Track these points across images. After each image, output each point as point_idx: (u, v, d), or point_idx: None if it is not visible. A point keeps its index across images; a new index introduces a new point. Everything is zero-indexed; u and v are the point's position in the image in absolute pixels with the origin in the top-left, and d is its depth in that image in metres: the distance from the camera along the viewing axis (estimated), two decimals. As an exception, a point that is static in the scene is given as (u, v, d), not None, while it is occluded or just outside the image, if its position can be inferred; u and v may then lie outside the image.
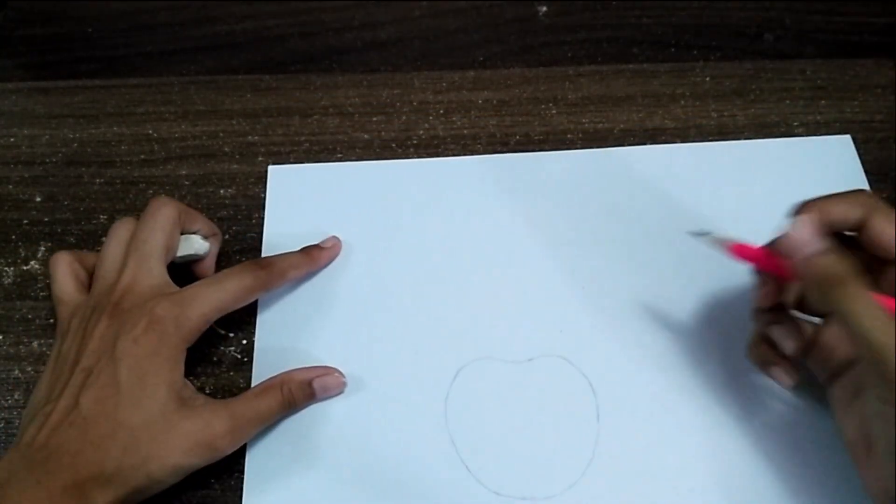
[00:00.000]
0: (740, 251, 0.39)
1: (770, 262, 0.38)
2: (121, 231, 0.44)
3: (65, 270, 0.44)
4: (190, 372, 0.45)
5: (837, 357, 0.40)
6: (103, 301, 0.41)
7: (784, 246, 0.37)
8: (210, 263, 0.47)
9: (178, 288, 0.42)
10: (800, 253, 0.36)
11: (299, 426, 0.43)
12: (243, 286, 0.42)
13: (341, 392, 0.44)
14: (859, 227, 0.37)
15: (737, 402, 0.43)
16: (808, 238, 0.36)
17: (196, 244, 0.46)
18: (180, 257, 0.45)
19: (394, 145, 0.53)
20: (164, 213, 0.43)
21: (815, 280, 0.35)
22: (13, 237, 0.51)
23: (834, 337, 0.40)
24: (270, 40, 0.59)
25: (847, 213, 0.37)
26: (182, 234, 0.45)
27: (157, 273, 0.42)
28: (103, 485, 0.36)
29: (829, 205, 0.37)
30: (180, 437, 0.38)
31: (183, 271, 0.46)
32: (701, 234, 0.41)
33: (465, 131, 0.54)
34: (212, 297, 0.41)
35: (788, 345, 0.39)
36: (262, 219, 0.50)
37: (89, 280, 0.44)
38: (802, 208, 0.38)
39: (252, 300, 0.44)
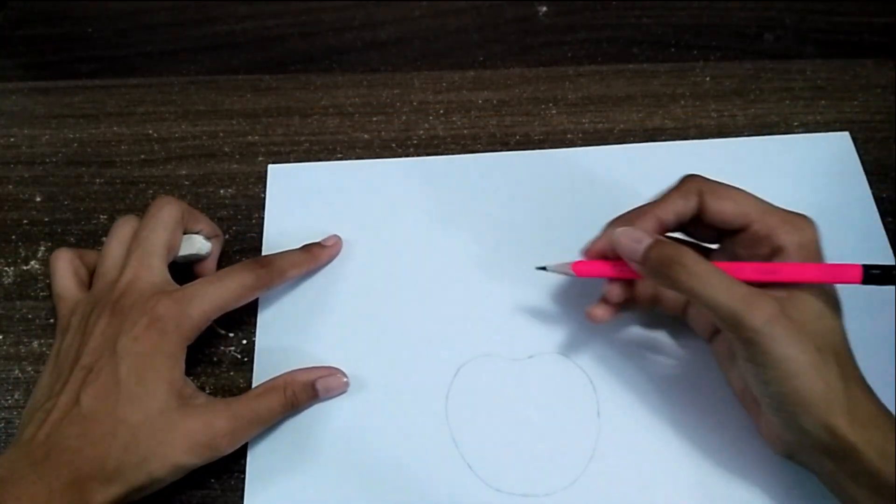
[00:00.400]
0: (583, 269, 0.42)
1: (614, 270, 0.40)
2: (122, 229, 0.44)
3: (65, 267, 0.44)
4: (190, 372, 0.45)
5: (706, 319, 0.42)
6: (104, 298, 0.41)
7: (620, 251, 0.39)
8: (212, 264, 0.47)
9: (178, 286, 0.42)
10: (636, 253, 0.38)
11: (300, 425, 0.43)
12: (244, 284, 0.42)
13: (344, 392, 0.44)
14: (698, 212, 0.39)
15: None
16: (638, 236, 0.38)
17: (198, 244, 0.46)
18: (182, 257, 0.45)
19: (394, 145, 0.53)
20: (167, 211, 0.43)
21: (655, 270, 0.37)
22: (13, 237, 0.51)
23: None
24: (270, 40, 0.59)
25: (682, 206, 0.39)
26: (185, 233, 0.45)
27: (158, 271, 0.42)
28: (103, 482, 0.36)
29: (662, 205, 0.40)
30: (181, 435, 0.38)
31: (185, 272, 0.46)
32: (543, 269, 0.43)
33: (465, 131, 0.54)
34: (212, 295, 0.41)
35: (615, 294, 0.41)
36: (262, 218, 0.50)
37: (90, 278, 0.45)
38: (633, 216, 0.40)
39: (253, 298, 0.44)
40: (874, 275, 0.35)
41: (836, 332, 0.36)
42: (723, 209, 0.38)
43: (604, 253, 0.41)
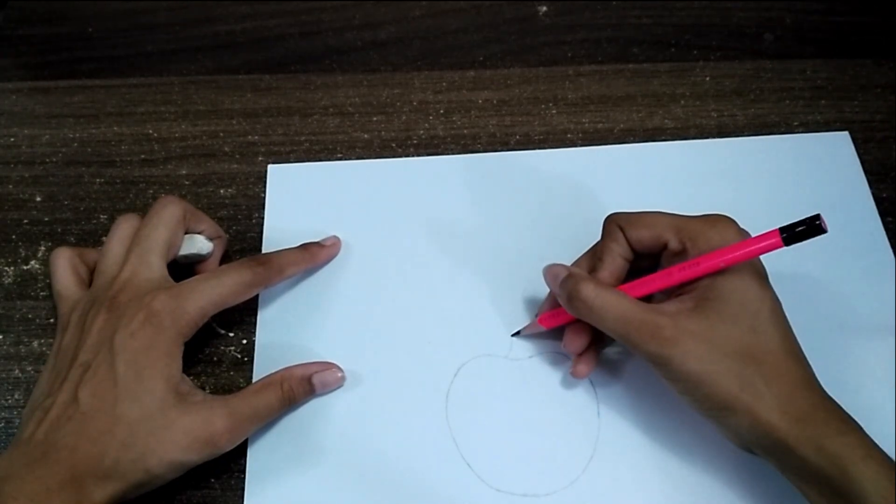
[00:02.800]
0: (547, 320, 0.43)
1: (569, 315, 0.41)
2: (123, 227, 0.44)
3: (65, 266, 0.44)
4: (190, 371, 0.45)
5: None
6: (102, 295, 0.41)
7: (550, 288, 0.42)
8: (213, 265, 0.47)
9: (176, 283, 0.42)
10: (555, 289, 0.40)
11: (300, 424, 0.43)
12: (242, 281, 0.42)
13: (340, 386, 0.44)
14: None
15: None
16: (556, 270, 0.41)
17: (199, 244, 0.46)
18: (183, 256, 0.45)
19: (394, 145, 0.53)
20: (169, 210, 0.43)
21: (567, 304, 0.39)
22: (13, 237, 0.51)
23: None
24: (270, 40, 0.59)
25: (613, 244, 0.41)
26: (187, 233, 0.45)
27: (156, 268, 0.42)
28: (101, 479, 0.36)
29: (596, 247, 0.42)
30: (179, 433, 0.38)
31: (186, 273, 0.46)
32: (517, 334, 0.46)
33: (465, 131, 0.54)
34: (210, 292, 0.41)
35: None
36: (262, 218, 0.50)
37: (90, 276, 0.45)
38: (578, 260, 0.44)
39: (251, 296, 0.43)
40: (794, 233, 0.35)
41: (754, 331, 0.36)
42: (639, 236, 0.40)
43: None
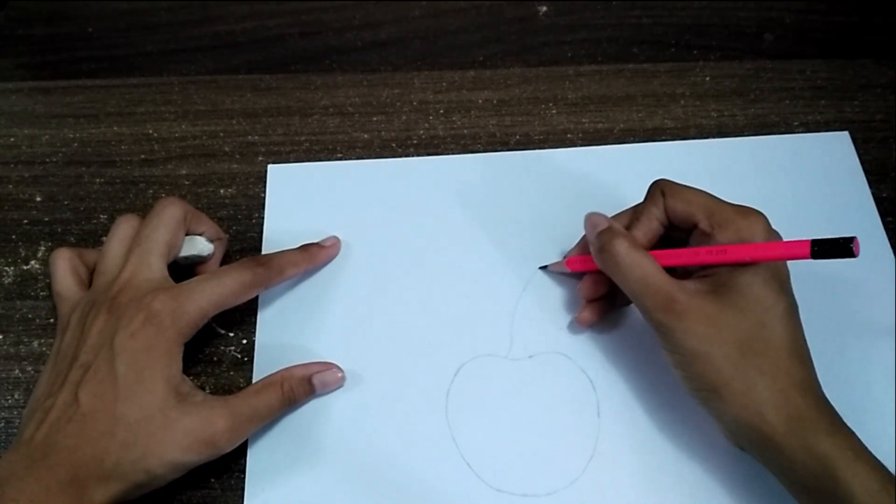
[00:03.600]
0: (574, 264, 0.45)
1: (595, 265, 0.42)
2: (123, 228, 0.44)
3: (65, 266, 0.44)
4: (190, 371, 0.45)
5: None
6: (102, 296, 0.41)
7: (587, 236, 0.42)
8: (213, 266, 0.47)
9: (176, 284, 0.42)
10: (591, 237, 0.41)
11: (300, 425, 0.43)
12: (241, 282, 0.42)
13: (340, 386, 0.44)
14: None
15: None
16: (597, 220, 0.41)
17: (200, 245, 0.46)
18: (183, 257, 0.45)
19: (394, 145, 0.53)
20: (169, 211, 0.43)
21: (597, 256, 0.40)
22: (13, 237, 0.51)
23: None
24: (270, 40, 0.59)
25: (652, 207, 0.41)
26: (188, 234, 0.45)
27: (156, 269, 0.42)
28: (102, 480, 0.36)
29: (637, 207, 0.42)
30: (179, 433, 0.38)
31: (187, 275, 0.46)
32: (544, 268, 0.47)
33: (465, 131, 0.54)
34: (209, 292, 0.41)
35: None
36: (262, 218, 0.50)
37: (89, 277, 0.45)
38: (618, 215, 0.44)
39: (250, 297, 0.43)
40: (823, 249, 0.35)
41: (762, 327, 0.37)
42: (675, 207, 0.40)
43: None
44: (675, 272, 0.39)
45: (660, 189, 0.41)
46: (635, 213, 0.42)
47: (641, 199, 0.47)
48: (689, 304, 0.37)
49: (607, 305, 0.45)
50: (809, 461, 0.34)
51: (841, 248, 0.34)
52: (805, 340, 0.38)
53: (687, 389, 0.39)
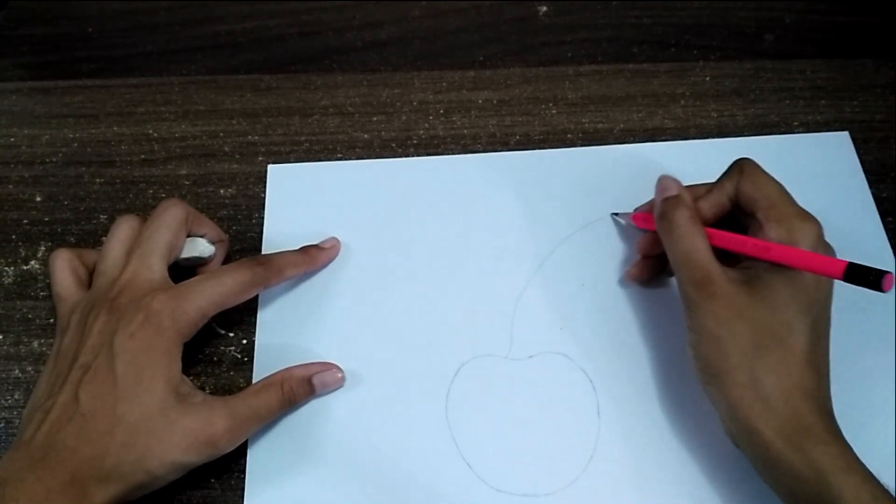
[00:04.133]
0: (640, 219, 0.46)
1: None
2: (122, 228, 0.44)
3: (64, 267, 0.44)
4: (190, 372, 0.45)
5: None
6: (102, 297, 0.41)
7: (655, 194, 0.43)
8: (214, 268, 0.47)
9: (175, 284, 0.42)
10: (658, 199, 0.42)
11: (300, 425, 0.43)
12: (241, 282, 0.42)
13: (340, 387, 0.44)
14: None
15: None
16: (668, 184, 0.42)
17: (201, 247, 0.46)
18: (185, 259, 0.45)
19: (394, 145, 0.53)
20: (171, 213, 0.43)
21: (658, 220, 0.41)
22: (13, 237, 0.51)
23: None
24: (270, 40, 0.59)
25: (728, 182, 0.41)
26: (189, 236, 0.45)
27: (157, 270, 0.42)
28: (102, 481, 0.36)
29: (718, 181, 0.42)
30: (179, 434, 0.38)
31: (188, 276, 0.46)
32: (616, 214, 0.49)
33: (465, 131, 0.54)
34: (209, 292, 0.41)
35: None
36: (262, 218, 0.50)
37: (89, 277, 0.44)
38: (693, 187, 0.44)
39: (250, 296, 0.43)
40: (856, 274, 0.35)
41: (785, 327, 0.37)
42: (744, 188, 0.40)
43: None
44: (726, 256, 0.39)
45: (739, 167, 0.41)
46: (711, 186, 0.42)
47: (641, 200, 0.48)
48: (721, 287, 0.37)
49: (658, 267, 0.46)
50: (800, 466, 0.34)
51: (872, 280, 0.34)
52: (827, 356, 0.38)
53: (692, 369, 0.39)
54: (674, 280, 0.46)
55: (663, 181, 0.42)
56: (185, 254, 0.45)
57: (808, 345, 0.37)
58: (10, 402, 0.45)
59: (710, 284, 0.38)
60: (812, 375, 0.36)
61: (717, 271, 0.38)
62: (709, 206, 0.41)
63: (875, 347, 0.45)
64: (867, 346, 0.45)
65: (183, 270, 0.45)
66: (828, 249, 0.39)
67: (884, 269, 0.34)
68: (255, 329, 0.46)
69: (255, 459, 0.43)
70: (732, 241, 0.40)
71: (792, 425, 0.35)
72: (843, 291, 0.43)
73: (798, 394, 0.36)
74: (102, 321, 0.40)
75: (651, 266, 0.46)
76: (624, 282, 0.47)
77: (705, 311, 0.37)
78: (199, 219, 0.46)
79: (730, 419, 0.37)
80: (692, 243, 0.39)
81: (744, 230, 0.40)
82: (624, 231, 0.49)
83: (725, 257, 0.39)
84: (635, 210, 0.47)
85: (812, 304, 0.37)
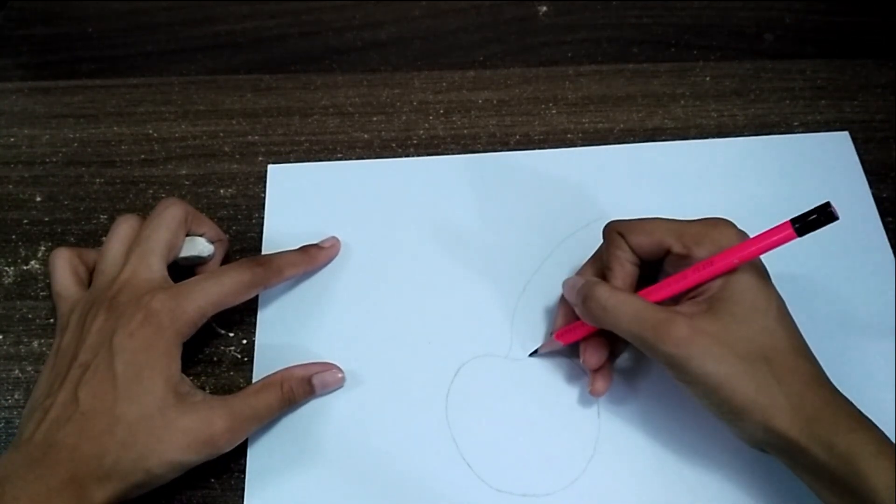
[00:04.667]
0: (565, 335, 0.43)
1: (586, 327, 0.41)
2: (122, 228, 0.44)
3: (64, 266, 0.44)
4: (190, 371, 0.45)
5: None
6: (102, 296, 0.41)
7: (569, 301, 0.42)
8: (214, 267, 0.47)
9: (175, 283, 0.42)
10: (575, 298, 0.40)
11: (300, 424, 0.43)
12: (241, 281, 0.42)
13: (340, 387, 0.44)
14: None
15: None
16: (574, 281, 0.41)
17: (200, 246, 0.46)
18: (184, 258, 0.45)
19: (394, 145, 0.53)
20: (171, 212, 0.43)
21: (582, 310, 0.40)
22: (13, 237, 0.51)
23: None
24: (270, 40, 0.59)
25: (615, 251, 0.41)
26: (188, 235, 0.45)
27: (156, 269, 0.42)
28: (101, 480, 0.36)
29: (598, 254, 0.43)
30: (178, 433, 0.38)
31: (187, 276, 0.46)
32: (534, 353, 0.45)
33: (465, 131, 0.54)
34: (208, 291, 0.41)
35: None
36: (262, 218, 0.50)
37: (89, 276, 0.45)
38: (581, 270, 0.44)
39: (249, 297, 0.43)
40: (807, 222, 0.35)
41: (766, 331, 0.36)
42: (640, 242, 0.40)
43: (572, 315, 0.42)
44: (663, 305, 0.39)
45: (615, 231, 0.41)
46: (602, 263, 0.42)
47: (641, 200, 0.48)
48: (692, 326, 0.36)
49: (613, 362, 0.43)
50: (832, 460, 0.34)
51: (821, 215, 0.34)
52: (801, 333, 0.38)
53: (713, 415, 0.38)
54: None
55: (567, 283, 0.42)
56: (185, 253, 0.45)
57: (788, 337, 0.37)
58: (10, 401, 0.45)
59: (678, 329, 0.36)
60: (806, 362, 0.36)
61: (674, 316, 0.36)
62: (620, 281, 0.40)
63: (875, 347, 0.45)
64: (867, 345, 0.45)
65: (182, 270, 0.45)
66: (747, 237, 0.38)
67: (820, 204, 0.34)
68: (255, 329, 0.46)
69: (255, 459, 0.43)
70: (671, 284, 0.38)
71: (816, 424, 0.35)
72: (843, 291, 0.43)
73: (806, 389, 0.35)
74: (102, 320, 0.40)
75: (609, 371, 0.42)
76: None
77: (697, 357, 0.36)
78: (198, 218, 0.46)
79: (762, 439, 0.36)
80: (632, 306, 0.37)
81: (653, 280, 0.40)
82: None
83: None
84: (551, 333, 0.44)
85: (769, 293, 0.37)
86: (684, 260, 0.39)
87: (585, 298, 0.39)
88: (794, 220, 0.35)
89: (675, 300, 0.39)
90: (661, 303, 0.38)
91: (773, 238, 0.36)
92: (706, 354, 0.36)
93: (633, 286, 0.41)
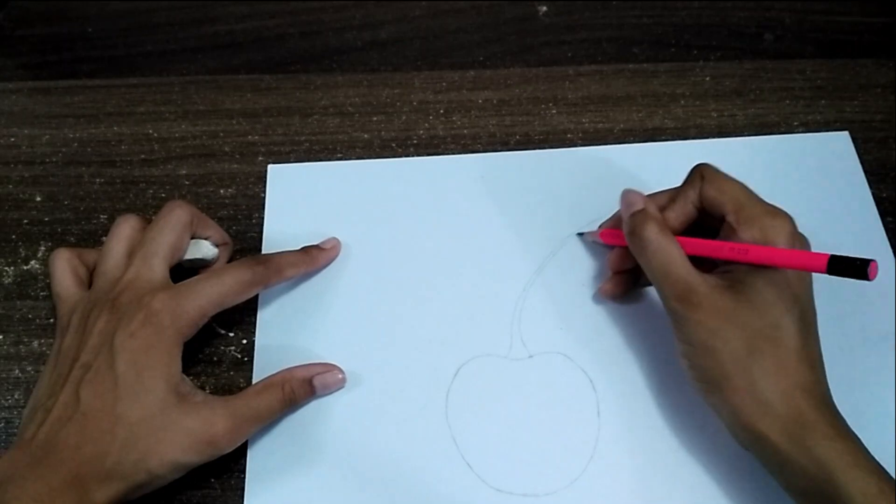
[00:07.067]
0: (607, 236, 0.45)
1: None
2: (123, 228, 0.44)
3: (64, 267, 0.44)
4: (190, 371, 0.45)
5: None
6: (103, 297, 0.41)
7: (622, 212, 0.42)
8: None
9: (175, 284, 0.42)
10: (625, 215, 0.42)
11: (300, 424, 0.43)
12: (241, 281, 0.42)
13: (341, 388, 0.44)
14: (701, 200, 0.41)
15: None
16: (633, 199, 0.42)
17: (205, 249, 0.46)
18: (188, 261, 0.45)
19: (394, 145, 0.53)
20: (176, 214, 0.43)
21: (628, 236, 0.41)
22: (13, 237, 0.51)
23: None
24: (270, 40, 0.59)
25: (690, 189, 0.41)
26: (193, 238, 0.45)
27: (158, 270, 0.42)
28: (103, 480, 0.36)
29: (678, 188, 0.42)
30: (180, 434, 0.38)
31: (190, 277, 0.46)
32: (581, 235, 0.47)
33: (465, 131, 0.54)
34: (209, 291, 0.41)
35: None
36: (262, 218, 0.50)
37: (89, 277, 0.44)
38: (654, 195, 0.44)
39: (250, 296, 0.43)
40: (839, 266, 0.35)
41: (775, 327, 0.37)
42: (708, 194, 0.40)
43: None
44: (701, 262, 0.39)
45: (699, 173, 0.41)
46: (674, 193, 0.42)
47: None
48: (705, 296, 0.37)
49: (631, 281, 0.45)
50: (807, 464, 0.34)
51: (857, 269, 0.34)
52: (819, 348, 0.38)
53: (689, 380, 0.39)
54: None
55: (627, 196, 0.42)
56: (189, 256, 0.45)
57: (799, 341, 0.37)
58: (10, 402, 0.45)
59: (693, 295, 0.37)
60: (808, 371, 0.36)
61: (698, 281, 0.38)
62: (675, 216, 0.41)
63: (875, 346, 0.45)
64: (867, 345, 0.45)
65: (185, 272, 0.45)
66: (803, 242, 0.39)
67: (867, 257, 0.34)
68: (255, 329, 0.46)
69: (255, 459, 0.43)
70: (707, 247, 0.39)
71: (795, 424, 0.35)
72: (843, 291, 0.43)
73: (797, 392, 0.36)
74: (103, 321, 0.40)
75: (624, 281, 0.45)
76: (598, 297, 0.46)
77: (693, 322, 0.37)
78: (203, 221, 0.46)
79: (733, 425, 0.37)
80: (668, 257, 0.39)
81: (713, 234, 0.40)
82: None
83: (701, 263, 0.39)
84: (600, 227, 0.47)
85: (796, 299, 0.37)
86: (732, 233, 0.39)
87: (633, 230, 0.40)
88: (832, 258, 0.35)
89: (714, 264, 0.40)
90: (693, 257, 0.39)
91: (804, 262, 0.36)
92: (703, 324, 0.37)
93: (684, 225, 0.42)
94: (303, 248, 0.47)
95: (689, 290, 0.38)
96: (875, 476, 0.34)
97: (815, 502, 0.35)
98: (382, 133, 0.54)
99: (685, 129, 0.54)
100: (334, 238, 0.49)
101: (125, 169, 0.53)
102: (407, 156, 0.53)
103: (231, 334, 0.47)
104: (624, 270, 0.45)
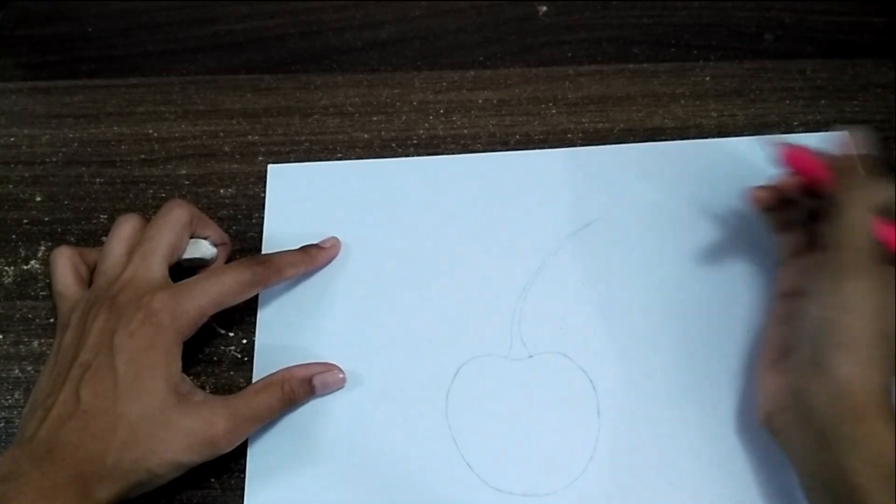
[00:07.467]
0: (794, 158, 0.42)
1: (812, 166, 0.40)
2: (123, 227, 0.44)
3: (65, 265, 0.44)
4: (190, 371, 0.45)
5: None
6: (103, 295, 0.41)
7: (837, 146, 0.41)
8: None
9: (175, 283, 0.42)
10: (845, 150, 0.40)
11: (300, 424, 0.43)
12: (241, 281, 0.42)
13: (341, 388, 0.44)
14: None
15: (737, 397, 0.43)
16: (852, 147, 0.40)
17: (204, 248, 0.46)
18: (187, 260, 0.45)
19: (394, 145, 0.53)
20: (175, 213, 0.43)
21: (838, 168, 0.39)
22: (13, 237, 0.51)
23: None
24: (270, 40, 0.59)
25: None
26: (192, 237, 0.45)
27: (157, 269, 0.42)
28: (104, 478, 0.36)
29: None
30: (179, 433, 0.38)
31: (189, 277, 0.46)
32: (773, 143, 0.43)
33: (465, 131, 0.54)
34: (208, 291, 0.41)
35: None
36: (262, 218, 0.50)
37: (90, 275, 0.44)
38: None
39: (249, 296, 0.43)
40: None
41: None
42: None
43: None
44: None
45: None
46: None
47: (641, 200, 0.47)
48: (866, 267, 0.36)
49: (794, 212, 0.43)
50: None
51: None
52: None
53: (794, 337, 0.38)
54: (677, 276, 0.46)
55: (842, 139, 0.41)
56: (188, 255, 0.45)
57: None
58: (10, 401, 0.45)
59: (850, 269, 0.35)
60: None
61: (865, 248, 0.36)
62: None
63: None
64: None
65: (184, 272, 0.45)
66: None
67: None
68: (255, 329, 0.46)
69: (255, 459, 0.43)
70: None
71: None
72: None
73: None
74: (103, 320, 0.40)
75: (772, 198, 0.42)
76: (632, 283, 0.46)
77: (838, 288, 0.35)
78: (203, 221, 0.46)
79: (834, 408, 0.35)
80: (860, 221, 0.37)
81: None
82: (625, 230, 0.49)
83: None
84: (785, 147, 0.42)
85: None
86: None
87: (845, 172, 0.39)
88: None
89: None
90: None
91: None
92: (851, 287, 0.35)
93: None
94: (302, 248, 0.47)
95: (854, 256, 0.36)
96: None
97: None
98: (382, 133, 0.54)
99: (685, 128, 0.54)
100: (334, 237, 0.49)
101: (125, 169, 0.53)
102: (407, 156, 0.53)
103: (231, 334, 0.47)
104: (770, 208, 0.42)
